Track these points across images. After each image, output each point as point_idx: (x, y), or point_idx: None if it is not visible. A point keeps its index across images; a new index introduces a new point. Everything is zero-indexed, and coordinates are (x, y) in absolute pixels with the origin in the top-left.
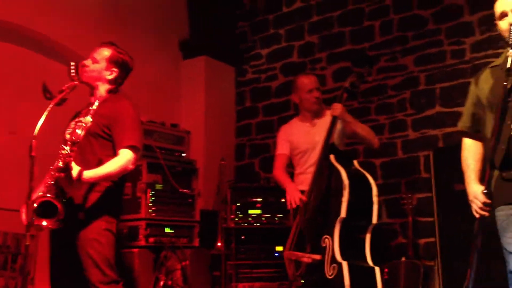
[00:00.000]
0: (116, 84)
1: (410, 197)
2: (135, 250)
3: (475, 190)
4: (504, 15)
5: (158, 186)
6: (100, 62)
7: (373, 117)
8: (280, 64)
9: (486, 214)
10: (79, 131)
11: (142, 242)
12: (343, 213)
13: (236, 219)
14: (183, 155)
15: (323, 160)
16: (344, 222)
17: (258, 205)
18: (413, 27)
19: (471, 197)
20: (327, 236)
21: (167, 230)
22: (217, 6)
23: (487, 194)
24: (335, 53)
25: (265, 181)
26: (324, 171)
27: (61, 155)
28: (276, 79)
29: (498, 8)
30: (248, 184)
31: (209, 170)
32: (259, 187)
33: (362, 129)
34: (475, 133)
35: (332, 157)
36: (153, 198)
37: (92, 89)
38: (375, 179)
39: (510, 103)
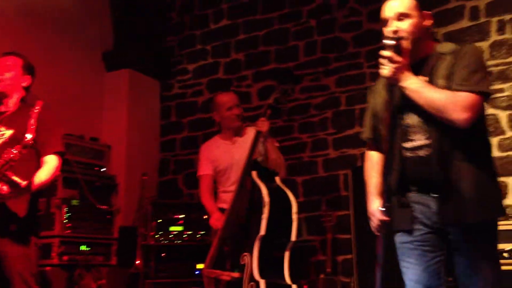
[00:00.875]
0: (28, 92)
1: (330, 214)
2: (48, 268)
3: (373, 207)
4: (385, 22)
5: (75, 202)
6: (14, 70)
7: (296, 135)
8: (206, 80)
9: (382, 232)
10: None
11: (55, 260)
12: (262, 231)
13: (157, 236)
14: (103, 169)
15: (245, 177)
16: (263, 239)
17: (180, 222)
18: (335, 49)
19: (369, 214)
20: (247, 254)
21: (83, 247)
22: (143, 19)
23: (385, 212)
24: (261, 71)
25: (188, 197)
26: (247, 188)
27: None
28: (202, 95)
29: (381, 14)
30: (170, 200)
31: (130, 185)
32: (181, 203)
33: (275, 158)
34: (377, 145)
35: (254, 173)
36: (68, 214)
37: (4, 98)
38: (296, 196)
39: (400, 120)
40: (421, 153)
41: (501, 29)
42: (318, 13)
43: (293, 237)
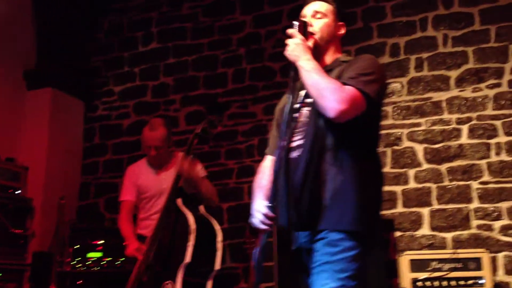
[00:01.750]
0: None
1: (253, 241)
2: None
3: (258, 204)
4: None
5: None
6: None
7: (222, 161)
8: (133, 102)
9: (267, 228)
10: None
11: None
12: (188, 258)
13: (73, 262)
14: (18, 192)
15: (170, 205)
16: (188, 267)
17: (99, 248)
18: (263, 77)
19: (253, 212)
20: (169, 282)
21: None
22: (69, 37)
23: (270, 208)
24: (189, 96)
25: (110, 222)
26: (171, 216)
27: None
28: (128, 118)
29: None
30: (89, 225)
31: (48, 209)
32: (101, 229)
33: (206, 189)
34: None
35: (179, 201)
36: None
37: None
38: (221, 223)
39: (294, 120)
40: (295, 154)
41: (419, 66)
42: (248, 42)
43: (217, 266)
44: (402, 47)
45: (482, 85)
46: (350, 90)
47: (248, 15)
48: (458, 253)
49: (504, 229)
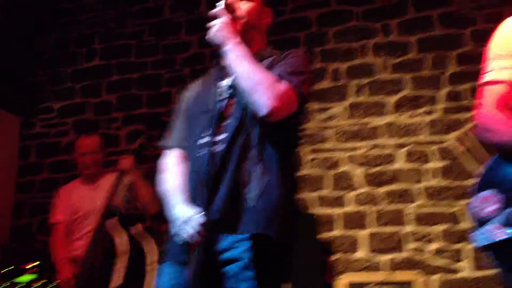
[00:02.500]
0: None
1: None
2: None
3: (185, 212)
4: None
5: None
6: None
7: None
8: (72, 119)
9: (201, 240)
10: None
11: None
12: (120, 279)
13: (4, 285)
14: None
15: (103, 224)
16: None
17: (31, 271)
18: None
19: (179, 222)
20: None
21: None
22: (7, 50)
23: (205, 216)
24: (131, 115)
25: (41, 244)
26: (103, 237)
27: None
28: (67, 135)
29: None
30: (20, 247)
31: None
32: (33, 250)
33: (146, 193)
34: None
35: (113, 220)
36: None
37: None
38: (161, 244)
39: (211, 111)
40: (217, 149)
41: (359, 91)
42: (192, 62)
43: None
44: (343, 72)
45: (418, 111)
46: (285, 87)
47: (194, 35)
48: (394, 275)
49: (438, 252)
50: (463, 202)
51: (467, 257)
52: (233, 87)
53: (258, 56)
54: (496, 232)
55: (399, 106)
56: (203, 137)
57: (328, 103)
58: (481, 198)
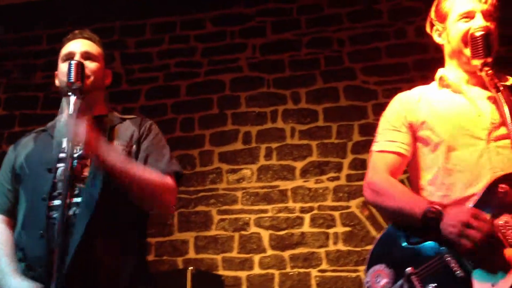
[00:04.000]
0: None
1: None
2: None
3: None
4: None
5: None
6: None
7: None
8: None
9: None
10: None
11: None
12: None
13: None
14: None
15: None
16: None
17: None
18: None
19: None
20: None
21: None
22: None
23: None
24: None
25: None
26: None
27: None
28: None
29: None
30: None
31: None
32: None
33: None
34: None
35: None
36: None
37: None
38: None
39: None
40: (69, 212)
41: (268, 155)
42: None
43: None
44: (254, 135)
45: (324, 177)
46: (172, 180)
47: None
48: None
49: None
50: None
51: None
52: (71, 147)
53: (108, 122)
54: None
55: (305, 172)
56: (48, 199)
57: (239, 165)
58: (372, 272)
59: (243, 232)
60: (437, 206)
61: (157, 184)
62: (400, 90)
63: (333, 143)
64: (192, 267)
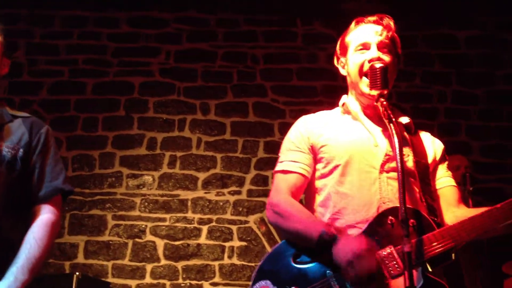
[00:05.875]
0: None
1: None
2: None
3: None
4: None
5: None
6: None
7: None
8: None
9: None
10: None
11: None
12: None
13: None
14: None
15: None
16: None
17: None
18: None
19: None
20: None
21: None
22: None
23: None
24: None
25: None
26: None
27: None
28: None
29: None
30: None
31: None
32: None
33: None
34: None
35: None
36: None
37: None
38: None
39: None
40: None
41: (171, 163)
42: None
43: None
44: (159, 142)
45: (225, 190)
46: (56, 215)
47: None
48: None
49: None
50: None
51: None
52: None
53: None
54: None
55: (208, 183)
56: None
57: (140, 171)
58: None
59: (137, 240)
60: (333, 230)
61: (50, 244)
62: (307, 112)
63: (237, 157)
64: (78, 273)
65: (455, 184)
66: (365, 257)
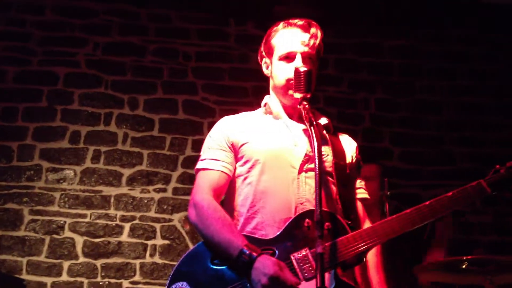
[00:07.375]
0: None
1: None
2: None
3: None
4: None
5: None
6: None
7: None
8: None
9: None
10: None
11: None
12: None
13: None
14: None
15: None
16: None
17: None
18: None
19: None
20: None
21: None
22: None
23: None
24: None
25: None
26: None
27: None
28: None
29: None
30: None
31: None
32: None
33: None
34: None
35: None
36: None
37: None
38: None
39: None
40: None
41: (95, 158)
42: None
43: None
44: (83, 136)
45: (150, 188)
46: None
47: None
48: None
49: None
50: None
51: None
52: None
53: None
54: None
55: (132, 180)
56: None
57: (61, 165)
58: None
59: (55, 236)
60: (252, 250)
61: None
62: (237, 111)
63: (165, 154)
64: None
65: (365, 195)
66: (280, 279)
